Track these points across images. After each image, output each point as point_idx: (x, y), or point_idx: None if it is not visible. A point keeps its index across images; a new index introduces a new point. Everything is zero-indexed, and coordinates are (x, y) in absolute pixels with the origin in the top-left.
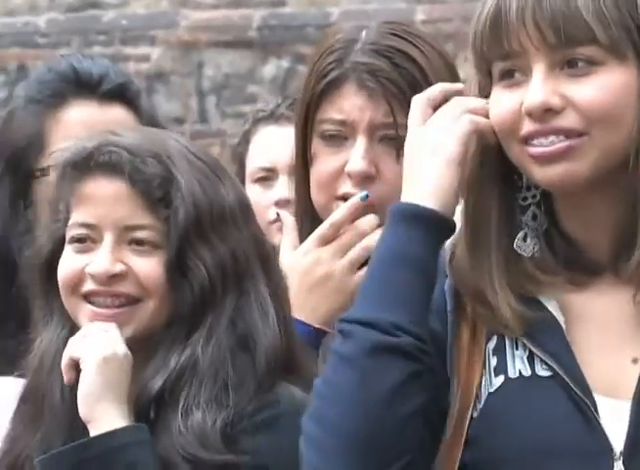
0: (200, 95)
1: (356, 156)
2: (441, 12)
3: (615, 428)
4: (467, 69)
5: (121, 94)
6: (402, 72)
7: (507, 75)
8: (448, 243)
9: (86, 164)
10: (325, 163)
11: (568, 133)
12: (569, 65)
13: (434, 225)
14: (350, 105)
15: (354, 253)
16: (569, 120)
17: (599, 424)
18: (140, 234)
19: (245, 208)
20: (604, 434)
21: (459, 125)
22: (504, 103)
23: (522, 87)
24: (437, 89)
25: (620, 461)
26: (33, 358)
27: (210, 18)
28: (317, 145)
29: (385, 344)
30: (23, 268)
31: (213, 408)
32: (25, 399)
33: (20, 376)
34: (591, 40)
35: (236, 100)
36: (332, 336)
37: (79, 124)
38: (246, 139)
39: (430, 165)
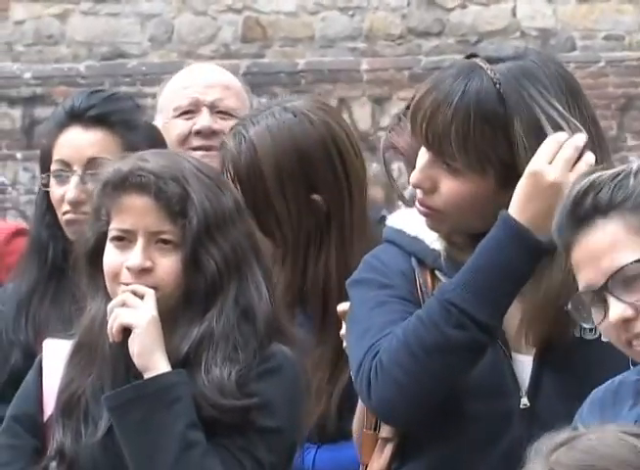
0: None
1: None
2: (380, 63)
3: (523, 374)
4: (400, 105)
5: (103, 121)
6: None
7: None
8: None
9: (122, 183)
10: None
11: None
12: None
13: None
14: None
15: None
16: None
17: (513, 371)
18: (163, 236)
19: (240, 209)
20: (516, 378)
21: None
22: None
23: None
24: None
25: (526, 397)
26: (84, 322)
27: None
28: None
29: (484, 342)
30: (56, 254)
31: (228, 365)
32: (77, 351)
33: (71, 336)
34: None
35: None
36: None
37: (68, 143)
38: None
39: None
